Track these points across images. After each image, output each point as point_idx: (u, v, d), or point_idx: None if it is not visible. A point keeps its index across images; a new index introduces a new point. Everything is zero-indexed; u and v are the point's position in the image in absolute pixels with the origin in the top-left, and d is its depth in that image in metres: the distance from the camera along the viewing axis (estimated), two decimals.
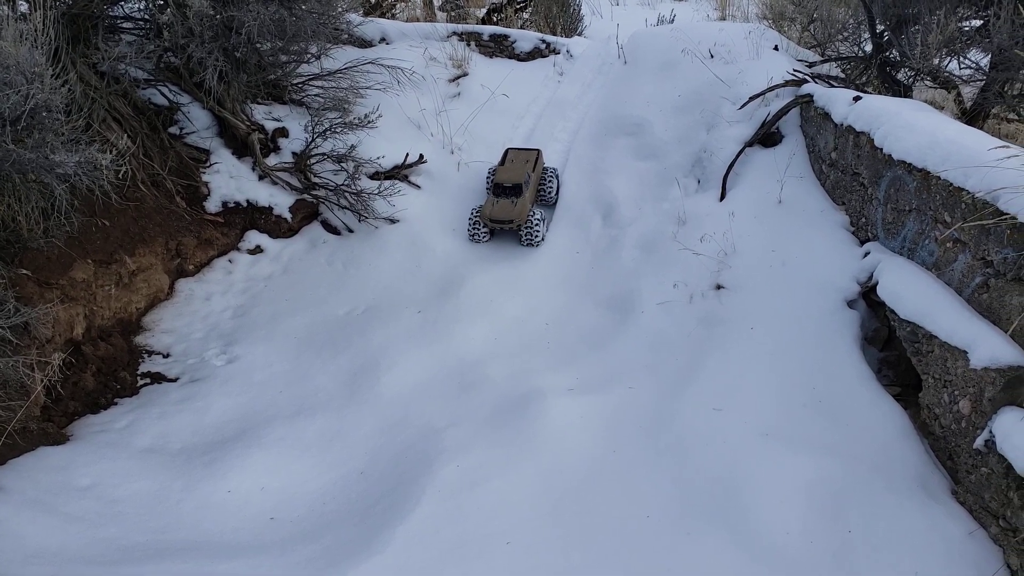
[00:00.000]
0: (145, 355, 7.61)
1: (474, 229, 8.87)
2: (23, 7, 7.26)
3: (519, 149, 9.52)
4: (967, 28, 8.22)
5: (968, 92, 8.65)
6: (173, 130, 8.94)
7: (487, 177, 9.41)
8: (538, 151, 9.41)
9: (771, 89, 8.60)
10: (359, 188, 8.96)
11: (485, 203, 8.90)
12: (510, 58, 11.71)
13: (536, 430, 6.07)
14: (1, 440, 5.70)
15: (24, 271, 6.73)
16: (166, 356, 7.64)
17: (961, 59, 8.27)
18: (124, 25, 8.64)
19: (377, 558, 4.97)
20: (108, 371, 7.21)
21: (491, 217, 8.63)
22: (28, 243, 6.81)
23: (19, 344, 6.21)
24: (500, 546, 5.09)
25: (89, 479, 5.84)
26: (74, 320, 7.09)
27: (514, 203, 8.70)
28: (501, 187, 8.85)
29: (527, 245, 8.75)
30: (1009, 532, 4.48)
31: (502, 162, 9.29)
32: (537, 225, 8.69)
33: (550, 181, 9.33)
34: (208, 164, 8.97)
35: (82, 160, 6.24)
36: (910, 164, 5.74)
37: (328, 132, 9.02)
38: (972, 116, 8.17)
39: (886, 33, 8.63)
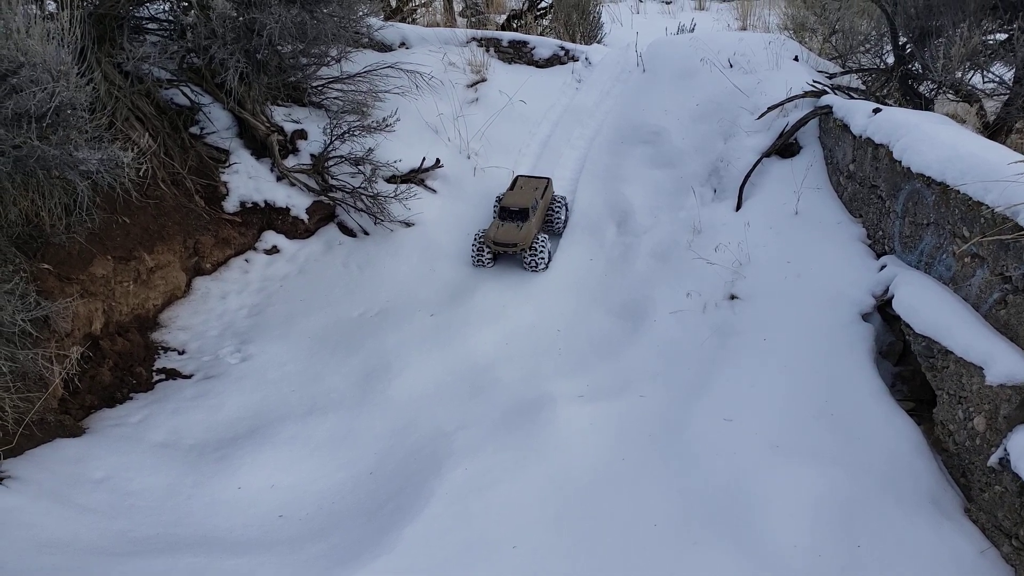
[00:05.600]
0: (161, 351, 7.70)
1: (477, 253, 8.59)
2: (51, 6, 7.39)
3: (529, 176, 9.38)
4: (991, 41, 8.16)
5: (991, 106, 8.57)
6: (194, 130, 9.07)
7: (495, 202, 9.22)
8: (548, 179, 9.27)
9: (790, 100, 8.56)
10: (376, 191, 9.02)
11: (490, 226, 8.68)
12: (529, 64, 11.76)
13: (545, 435, 6.08)
14: (19, 431, 5.79)
15: (46, 265, 6.85)
16: (181, 353, 7.73)
17: (984, 72, 8.20)
18: (149, 26, 8.77)
19: (384, 558, 5.00)
20: (124, 366, 7.31)
21: (495, 240, 8.41)
22: (50, 238, 6.93)
23: (39, 337, 6.31)
24: (507, 550, 5.10)
25: (103, 472, 5.93)
26: (93, 315, 7.19)
27: (519, 227, 8.49)
28: (507, 211, 8.65)
29: (530, 270, 8.52)
30: (1022, 551, 4.42)
31: (511, 187, 9.15)
32: (542, 250, 8.45)
33: (558, 209, 9.10)
34: (227, 164, 9.07)
35: (104, 158, 6.33)
36: (929, 178, 5.69)
37: (346, 135, 9.10)
38: (994, 131, 8.09)
39: (909, 45, 8.57)
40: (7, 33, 5.57)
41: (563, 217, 9.17)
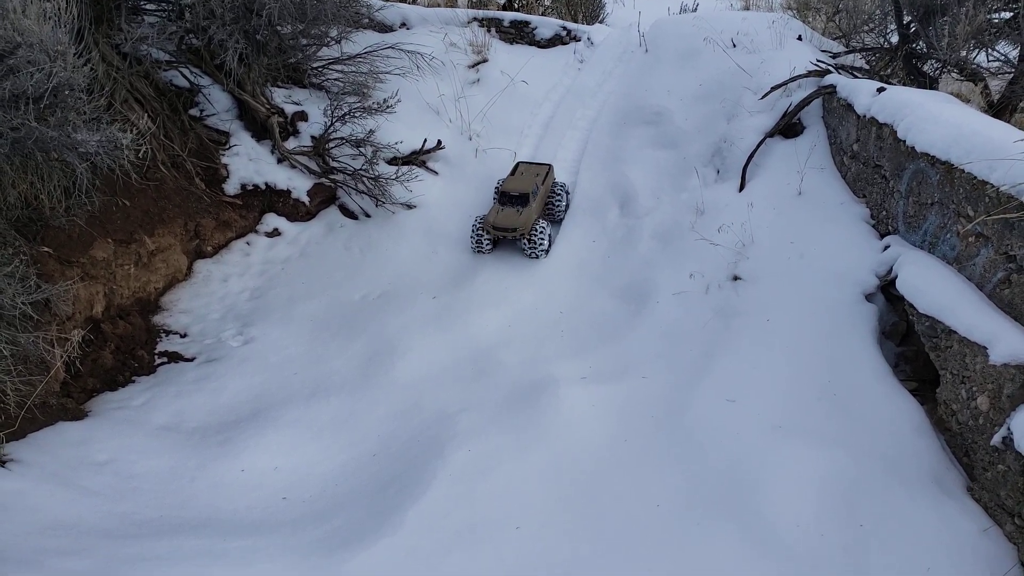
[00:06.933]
0: (163, 334, 7.70)
1: (477, 239, 8.52)
2: None
3: (530, 163, 9.31)
4: (996, 20, 8.07)
5: (996, 85, 8.49)
6: (193, 112, 9.00)
7: (495, 188, 9.14)
8: (549, 166, 9.20)
9: (794, 79, 8.49)
10: (377, 173, 8.98)
11: (490, 211, 8.59)
12: (530, 45, 11.65)
13: (548, 417, 6.08)
14: (21, 414, 5.80)
15: (46, 249, 6.82)
16: (183, 336, 7.72)
17: (989, 51, 8.11)
18: (147, 6, 8.69)
19: (387, 540, 5.02)
20: (126, 349, 7.31)
21: (494, 224, 8.33)
22: (50, 221, 6.91)
23: (40, 320, 6.31)
24: (510, 531, 5.11)
25: (106, 455, 5.94)
26: (94, 298, 7.18)
27: (519, 212, 8.41)
28: (507, 196, 8.57)
29: (530, 256, 8.43)
30: None
31: (512, 173, 9.07)
32: (542, 239, 8.36)
33: (559, 197, 9.01)
34: (228, 146, 9.02)
35: (103, 139, 6.30)
36: (934, 156, 5.65)
37: (347, 116, 9.04)
38: (999, 109, 8.02)
39: (913, 24, 8.48)
40: (3, 13, 5.52)
41: (564, 204, 9.09)
